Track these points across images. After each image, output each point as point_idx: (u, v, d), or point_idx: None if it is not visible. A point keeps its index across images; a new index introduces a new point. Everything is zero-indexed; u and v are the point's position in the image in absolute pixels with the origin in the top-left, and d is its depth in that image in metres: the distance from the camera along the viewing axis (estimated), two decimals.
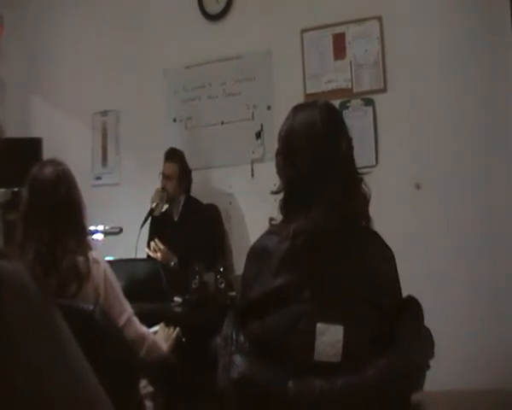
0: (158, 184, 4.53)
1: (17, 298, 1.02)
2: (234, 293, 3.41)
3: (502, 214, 4.15)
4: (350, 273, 1.69)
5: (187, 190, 4.62)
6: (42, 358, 1.02)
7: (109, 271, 2.44)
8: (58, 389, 1.03)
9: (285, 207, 1.81)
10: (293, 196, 1.77)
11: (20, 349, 1.00)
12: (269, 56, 4.86)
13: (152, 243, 4.21)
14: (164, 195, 4.46)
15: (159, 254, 4.17)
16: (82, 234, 2.43)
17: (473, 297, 4.10)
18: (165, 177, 4.51)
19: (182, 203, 4.54)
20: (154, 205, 4.40)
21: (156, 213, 4.43)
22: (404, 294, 1.80)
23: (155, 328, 2.76)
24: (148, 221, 4.44)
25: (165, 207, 4.55)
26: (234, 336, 1.71)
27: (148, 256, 4.28)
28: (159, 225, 4.47)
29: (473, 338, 4.03)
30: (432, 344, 1.72)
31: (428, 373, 1.66)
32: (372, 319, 1.68)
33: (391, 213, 3.92)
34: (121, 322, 2.39)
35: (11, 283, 1.03)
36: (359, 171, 1.82)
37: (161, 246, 4.17)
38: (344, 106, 4.55)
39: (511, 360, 3.94)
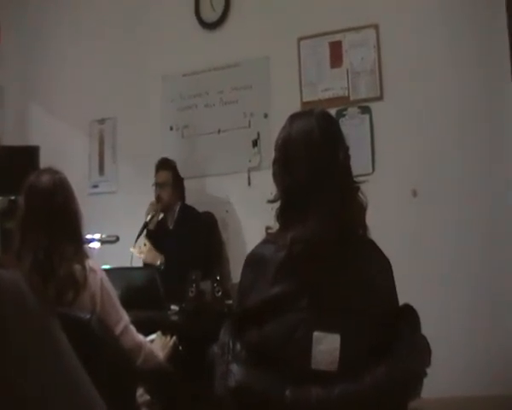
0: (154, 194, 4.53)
1: (15, 306, 1.02)
2: (231, 301, 3.41)
3: (500, 220, 4.15)
4: (347, 282, 1.69)
5: (181, 197, 4.61)
6: (40, 364, 1.02)
7: (106, 279, 2.44)
8: (56, 395, 1.03)
9: (282, 215, 1.80)
10: (290, 204, 1.77)
11: (19, 355, 1.00)
12: (266, 64, 4.87)
13: (137, 244, 4.21)
14: (158, 207, 4.46)
15: (143, 255, 4.18)
16: (79, 242, 2.42)
17: (471, 303, 4.10)
18: (159, 185, 4.50)
19: (177, 211, 4.53)
20: (148, 218, 4.39)
21: (151, 226, 4.42)
22: (402, 301, 1.79)
23: (152, 336, 2.76)
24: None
25: (161, 216, 4.55)
26: (231, 345, 1.70)
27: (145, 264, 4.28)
28: (154, 235, 4.46)
29: (471, 345, 4.03)
30: (429, 352, 1.71)
31: (426, 380, 1.66)
32: (369, 327, 1.68)
33: (388, 220, 3.92)
34: (118, 331, 2.39)
35: (9, 290, 1.03)
36: (356, 179, 1.82)
37: (147, 245, 4.19)
38: (340, 114, 4.56)
39: (509, 365, 3.94)
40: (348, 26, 4.64)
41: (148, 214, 4.40)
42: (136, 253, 4.17)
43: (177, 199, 4.55)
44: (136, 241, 4.26)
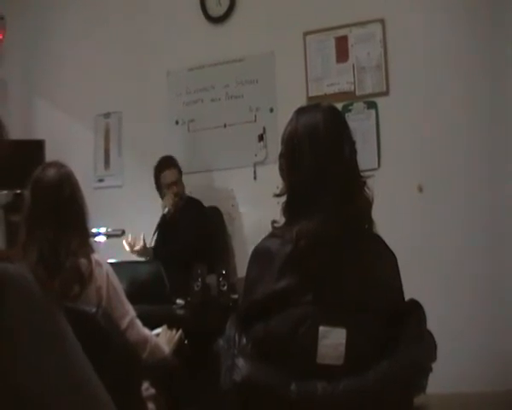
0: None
1: (21, 300, 1.02)
2: (236, 295, 3.41)
3: (504, 216, 4.15)
4: (352, 277, 1.69)
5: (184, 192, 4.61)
6: (45, 359, 1.02)
7: (112, 273, 2.45)
8: (60, 390, 1.03)
9: (288, 209, 1.80)
10: (296, 198, 1.77)
11: (23, 351, 1.00)
12: (271, 59, 4.87)
13: (129, 239, 4.18)
14: (176, 200, 4.39)
15: (135, 249, 4.14)
16: (85, 236, 2.43)
17: (476, 299, 4.10)
18: (172, 184, 4.43)
19: (181, 206, 4.52)
20: (165, 211, 4.33)
21: (167, 217, 4.39)
22: (407, 297, 1.79)
23: (158, 330, 2.76)
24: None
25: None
26: (236, 339, 1.70)
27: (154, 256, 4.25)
28: (159, 228, 4.45)
29: (476, 340, 4.03)
30: (434, 347, 1.71)
31: (432, 375, 1.65)
32: (374, 322, 1.68)
33: (393, 216, 3.92)
34: (124, 324, 2.39)
35: (15, 284, 1.02)
36: (362, 174, 1.81)
37: (142, 243, 4.16)
38: (346, 109, 4.55)
39: None
40: (354, 20, 4.63)
41: (164, 207, 4.34)
42: (127, 246, 4.13)
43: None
44: (154, 234, 4.23)
